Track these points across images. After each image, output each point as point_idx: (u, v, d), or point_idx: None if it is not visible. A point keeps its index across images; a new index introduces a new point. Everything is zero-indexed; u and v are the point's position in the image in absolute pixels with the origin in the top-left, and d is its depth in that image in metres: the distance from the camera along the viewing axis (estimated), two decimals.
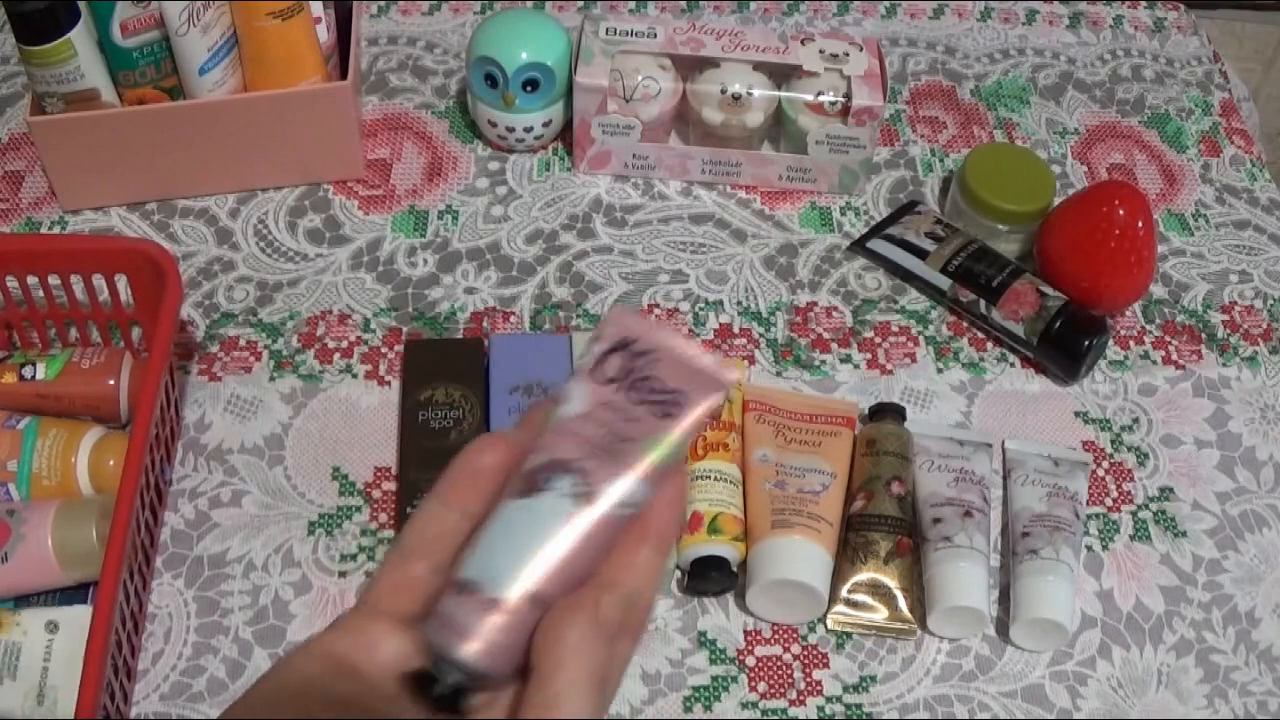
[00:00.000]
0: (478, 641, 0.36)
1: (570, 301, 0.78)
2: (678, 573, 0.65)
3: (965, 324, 0.79)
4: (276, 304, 0.76)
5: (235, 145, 0.78)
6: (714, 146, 0.83)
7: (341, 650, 0.36)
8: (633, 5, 0.98)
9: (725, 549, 0.64)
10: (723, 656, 0.64)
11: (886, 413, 0.70)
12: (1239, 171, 0.91)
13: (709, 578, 0.64)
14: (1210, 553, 0.70)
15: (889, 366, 0.76)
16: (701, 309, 0.78)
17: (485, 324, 0.76)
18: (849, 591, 0.64)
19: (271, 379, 0.72)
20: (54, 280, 0.67)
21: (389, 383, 0.73)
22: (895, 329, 0.78)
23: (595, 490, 0.37)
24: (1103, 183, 0.80)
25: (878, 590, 0.64)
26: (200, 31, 0.73)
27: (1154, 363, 0.79)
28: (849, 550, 0.65)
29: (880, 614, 0.64)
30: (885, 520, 0.65)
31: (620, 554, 0.37)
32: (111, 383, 0.66)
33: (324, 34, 0.79)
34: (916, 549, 0.66)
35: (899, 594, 0.64)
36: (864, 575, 0.64)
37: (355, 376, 0.73)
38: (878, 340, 0.78)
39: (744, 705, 0.62)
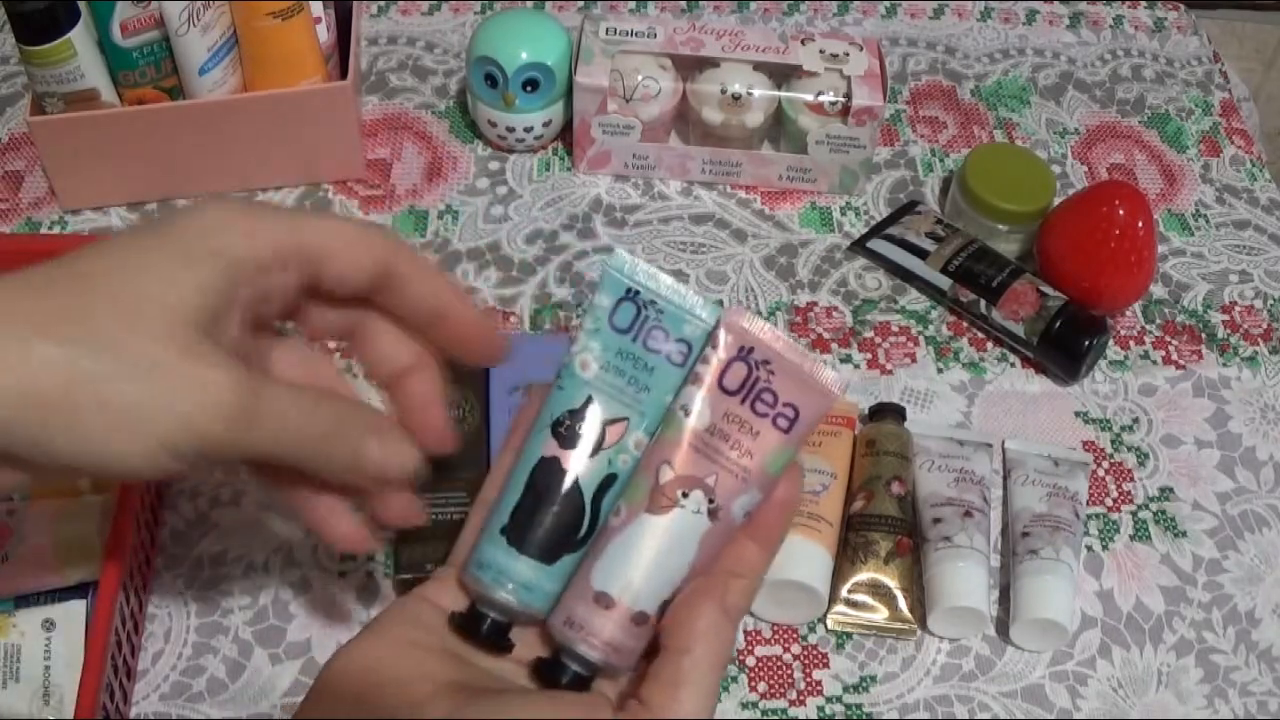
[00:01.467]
0: (607, 645, 0.38)
1: (570, 301, 0.78)
2: None
3: (965, 324, 0.79)
4: None
5: (235, 145, 0.78)
6: (714, 146, 0.83)
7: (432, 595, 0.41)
8: (633, 5, 0.98)
9: None
10: None
11: (886, 413, 0.70)
12: (1239, 171, 0.91)
13: None
14: (1210, 553, 0.70)
15: (889, 366, 0.76)
16: None
17: None
18: (849, 591, 0.64)
19: None
20: None
21: None
22: (895, 329, 0.78)
23: (723, 506, 0.39)
24: (1103, 183, 0.80)
25: (878, 590, 0.64)
26: (200, 31, 0.73)
27: (1154, 363, 0.79)
28: (849, 550, 0.65)
29: (880, 614, 0.64)
30: (885, 520, 0.65)
31: (731, 548, 0.40)
32: None
33: (324, 34, 0.79)
34: (917, 549, 0.66)
35: (899, 594, 0.64)
36: (864, 575, 0.64)
37: (355, 376, 0.73)
38: (878, 340, 0.78)
39: (744, 705, 0.62)
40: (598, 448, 0.40)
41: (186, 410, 0.35)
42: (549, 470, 0.40)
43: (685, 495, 0.39)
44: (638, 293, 0.41)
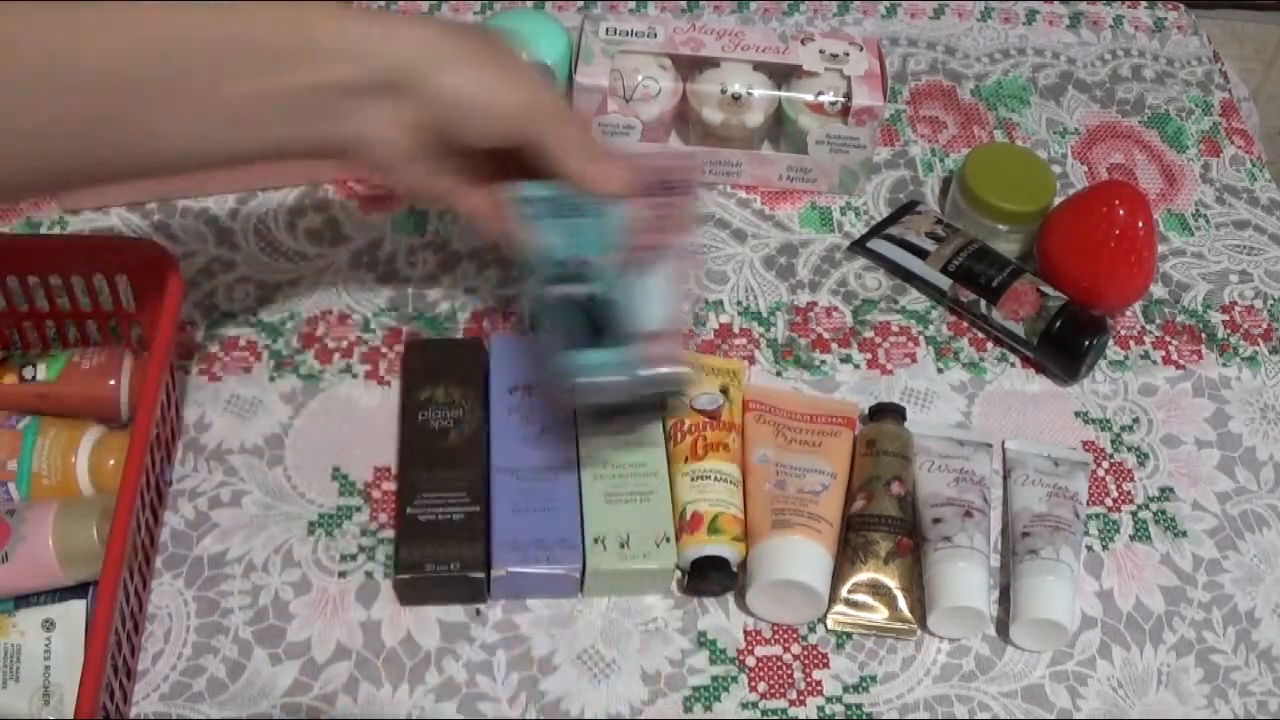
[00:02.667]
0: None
1: None
2: (678, 573, 0.65)
3: (965, 324, 0.79)
4: (276, 304, 0.76)
5: None
6: (714, 146, 0.83)
7: None
8: (633, 5, 0.98)
9: (725, 549, 0.64)
10: (723, 656, 0.64)
11: (886, 413, 0.70)
12: (1239, 171, 0.91)
13: (709, 578, 0.64)
14: (1210, 553, 0.70)
15: (889, 366, 0.76)
16: (701, 309, 0.78)
17: (485, 324, 0.76)
18: (849, 591, 0.64)
19: (271, 379, 0.72)
20: (54, 280, 0.67)
21: (389, 383, 0.73)
22: (895, 329, 0.78)
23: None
24: (1103, 183, 0.80)
25: (878, 590, 0.64)
26: None
27: (1154, 363, 0.79)
28: (849, 550, 0.65)
29: (880, 614, 0.64)
30: (885, 520, 0.65)
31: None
32: (112, 383, 0.66)
33: None
34: (917, 549, 0.66)
35: (899, 594, 0.64)
36: (864, 575, 0.64)
37: (355, 376, 0.73)
38: (878, 340, 0.78)
39: (744, 705, 0.62)
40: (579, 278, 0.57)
41: (536, 91, 0.56)
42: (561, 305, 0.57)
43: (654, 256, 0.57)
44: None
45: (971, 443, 0.70)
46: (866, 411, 0.72)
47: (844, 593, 0.64)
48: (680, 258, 0.57)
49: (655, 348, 0.54)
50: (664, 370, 0.54)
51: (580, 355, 0.54)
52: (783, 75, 0.82)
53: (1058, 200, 0.81)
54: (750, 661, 0.64)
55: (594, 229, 0.58)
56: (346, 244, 0.80)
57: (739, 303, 0.79)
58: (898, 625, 0.64)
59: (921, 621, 0.65)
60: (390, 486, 0.68)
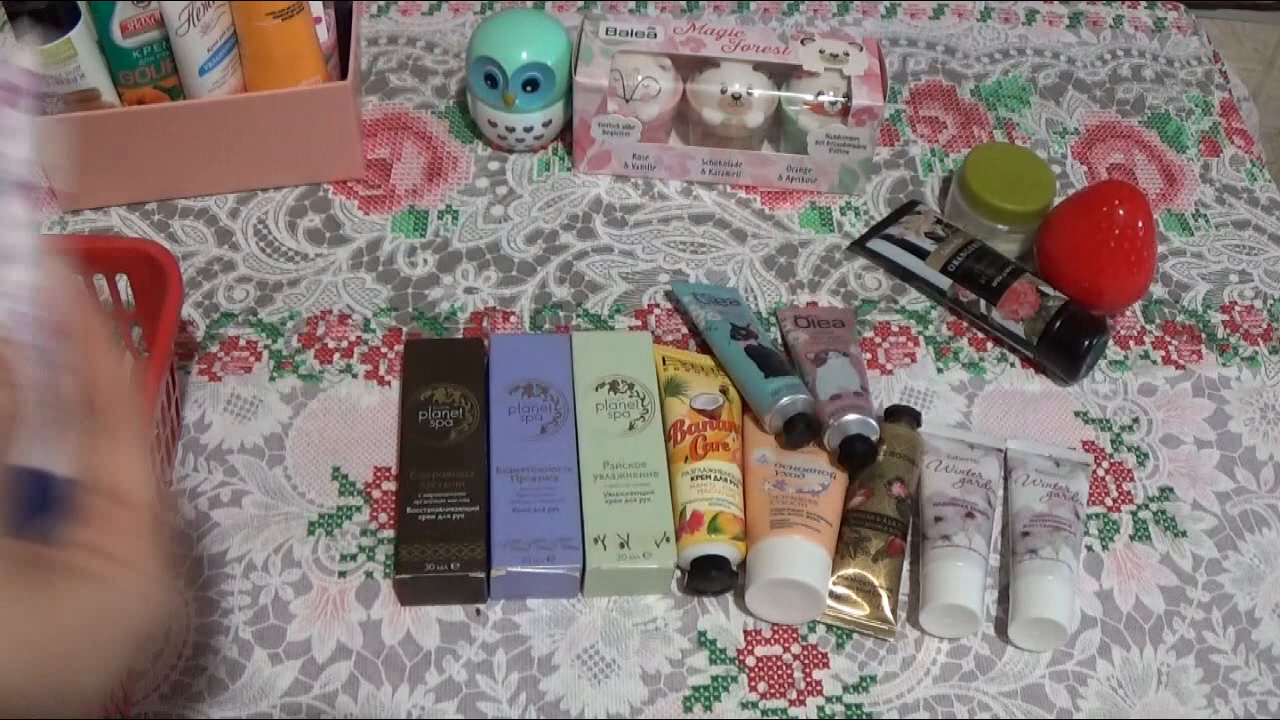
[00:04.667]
0: None
1: (570, 301, 0.78)
2: (678, 572, 0.65)
3: (965, 324, 0.79)
4: (276, 304, 0.76)
5: (235, 145, 0.78)
6: (714, 146, 0.83)
7: None
8: (633, 5, 0.98)
9: (725, 548, 0.64)
10: (723, 656, 0.64)
11: (900, 415, 0.70)
12: (1239, 171, 0.91)
13: (709, 577, 0.64)
14: (1210, 553, 0.70)
15: (889, 366, 0.76)
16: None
17: (485, 324, 0.76)
18: (834, 584, 0.64)
19: (271, 379, 0.72)
20: None
21: (389, 383, 0.73)
22: (895, 329, 0.78)
23: None
24: (1103, 183, 0.80)
25: (862, 586, 0.64)
26: (200, 31, 0.73)
27: (1154, 363, 0.79)
28: (841, 543, 0.65)
29: (862, 611, 0.64)
30: (880, 519, 0.65)
31: None
32: None
33: (324, 34, 0.79)
34: (915, 548, 0.66)
35: (883, 593, 0.64)
36: (851, 570, 0.64)
37: (355, 376, 0.73)
38: (878, 340, 0.78)
39: (744, 705, 0.62)
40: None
41: None
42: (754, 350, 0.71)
43: None
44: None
45: (982, 446, 0.70)
46: (881, 412, 0.72)
47: (830, 585, 0.64)
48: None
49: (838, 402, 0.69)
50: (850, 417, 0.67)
51: (769, 382, 0.68)
52: (783, 75, 0.82)
53: (1058, 200, 0.81)
54: (750, 661, 0.64)
55: (740, 312, 0.75)
56: (346, 244, 0.80)
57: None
58: (876, 624, 0.64)
59: (907, 624, 0.65)
60: (390, 486, 0.68)
